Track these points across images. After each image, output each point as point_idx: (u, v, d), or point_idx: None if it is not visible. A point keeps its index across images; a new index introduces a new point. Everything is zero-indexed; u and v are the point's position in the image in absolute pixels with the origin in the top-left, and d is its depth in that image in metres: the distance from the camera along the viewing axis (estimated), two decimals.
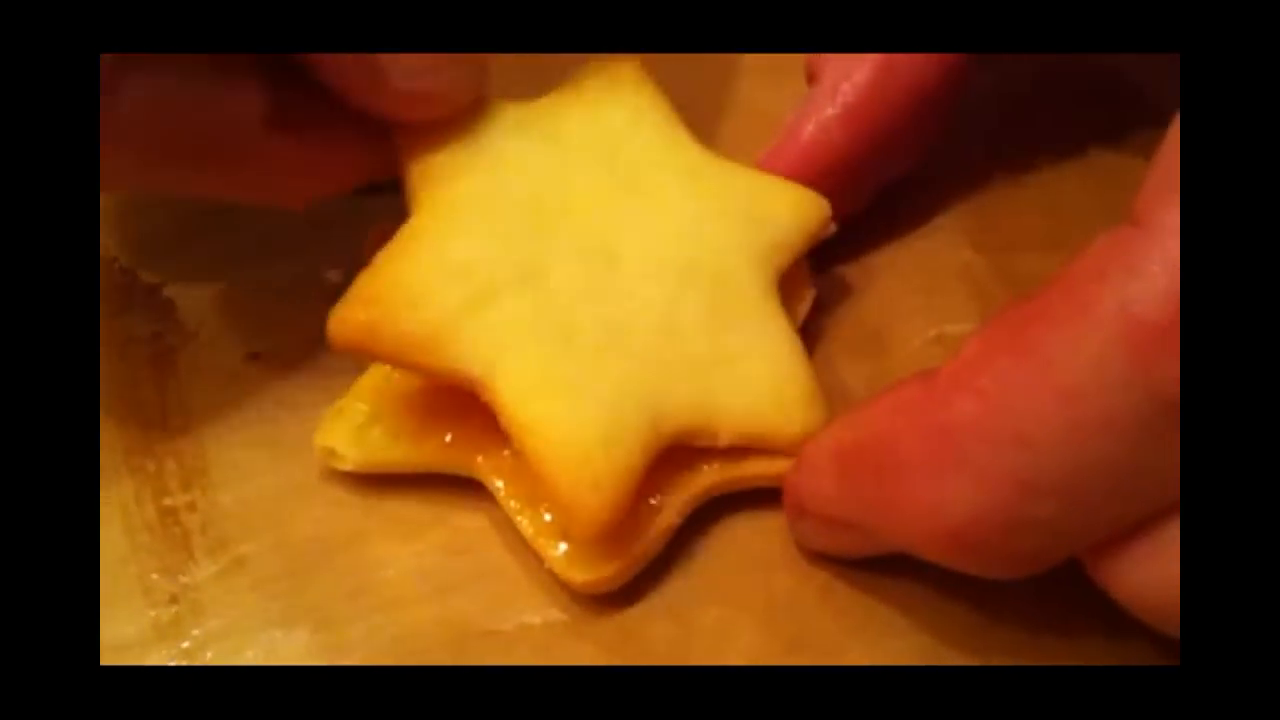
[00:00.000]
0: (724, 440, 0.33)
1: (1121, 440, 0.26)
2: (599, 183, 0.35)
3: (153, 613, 0.33)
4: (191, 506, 0.34)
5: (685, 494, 0.33)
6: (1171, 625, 0.28)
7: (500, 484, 0.33)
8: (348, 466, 0.34)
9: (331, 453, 0.34)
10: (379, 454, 0.34)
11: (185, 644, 0.32)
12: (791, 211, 0.36)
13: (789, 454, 0.33)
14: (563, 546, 0.32)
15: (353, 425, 0.34)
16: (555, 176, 0.34)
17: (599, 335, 0.32)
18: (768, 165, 0.37)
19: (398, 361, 0.32)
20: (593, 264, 0.33)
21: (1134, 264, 0.25)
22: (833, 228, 0.37)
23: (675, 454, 0.33)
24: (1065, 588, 0.30)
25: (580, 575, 0.32)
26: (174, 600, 0.33)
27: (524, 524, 0.33)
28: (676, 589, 0.33)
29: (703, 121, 0.43)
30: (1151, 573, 0.27)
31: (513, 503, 0.33)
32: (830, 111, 0.37)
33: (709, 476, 0.33)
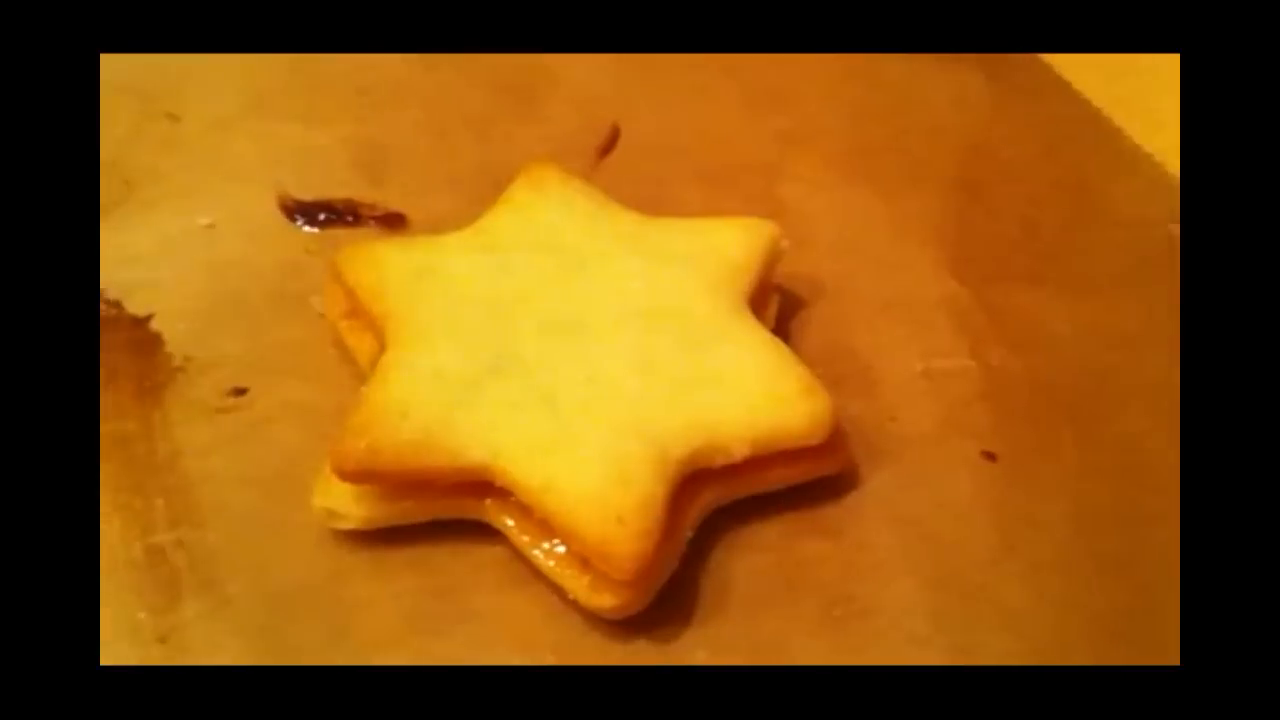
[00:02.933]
0: (738, 452, 0.33)
1: None
2: (547, 272, 0.36)
3: (139, 651, 0.32)
4: (178, 544, 0.34)
5: (695, 508, 0.34)
6: None
7: (511, 522, 0.33)
8: (350, 525, 0.34)
9: (332, 514, 0.34)
10: (383, 509, 0.34)
11: None
12: (737, 241, 0.37)
13: (800, 451, 0.34)
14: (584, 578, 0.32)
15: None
16: (504, 278, 0.36)
17: (582, 392, 0.33)
18: None
19: (404, 475, 0.33)
20: (559, 336, 0.35)
21: None
22: (786, 245, 0.38)
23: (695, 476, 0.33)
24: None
25: (608, 601, 0.32)
26: (161, 640, 0.32)
27: (539, 557, 0.33)
28: (666, 633, 0.33)
29: (682, 159, 0.43)
30: None
31: (525, 538, 0.33)
32: None
33: (714, 489, 0.34)
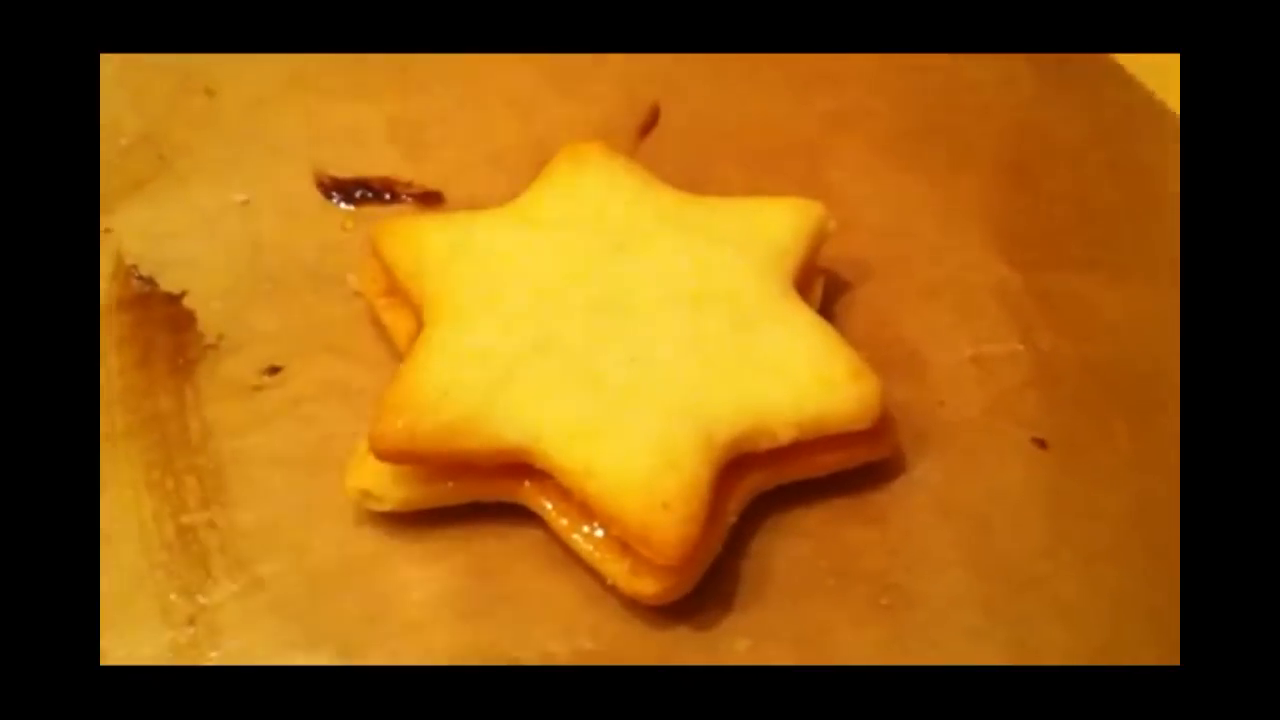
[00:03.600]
0: (785, 436, 0.32)
1: None
2: (591, 251, 0.35)
3: (170, 633, 0.32)
4: (211, 524, 0.33)
5: (739, 493, 0.33)
6: None
7: (549, 505, 0.32)
8: (386, 507, 0.33)
9: (367, 494, 0.33)
10: (419, 491, 0.33)
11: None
12: (784, 221, 0.36)
13: (847, 436, 0.33)
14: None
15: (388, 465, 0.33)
16: (548, 257, 0.35)
17: (627, 373, 0.33)
18: None
19: (443, 455, 0.32)
20: (604, 317, 0.34)
21: None
22: (833, 226, 0.37)
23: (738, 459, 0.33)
24: None
25: (649, 586, 0.31)
26: (191, 621, 0.32)
27: (579, 542, 0.32)
28: (708, 619, 0.32)
29: (725, 140, 0.42)
30: None
31: (564, 521, 0.32)
32: None
33: (758, 474, 0.33)
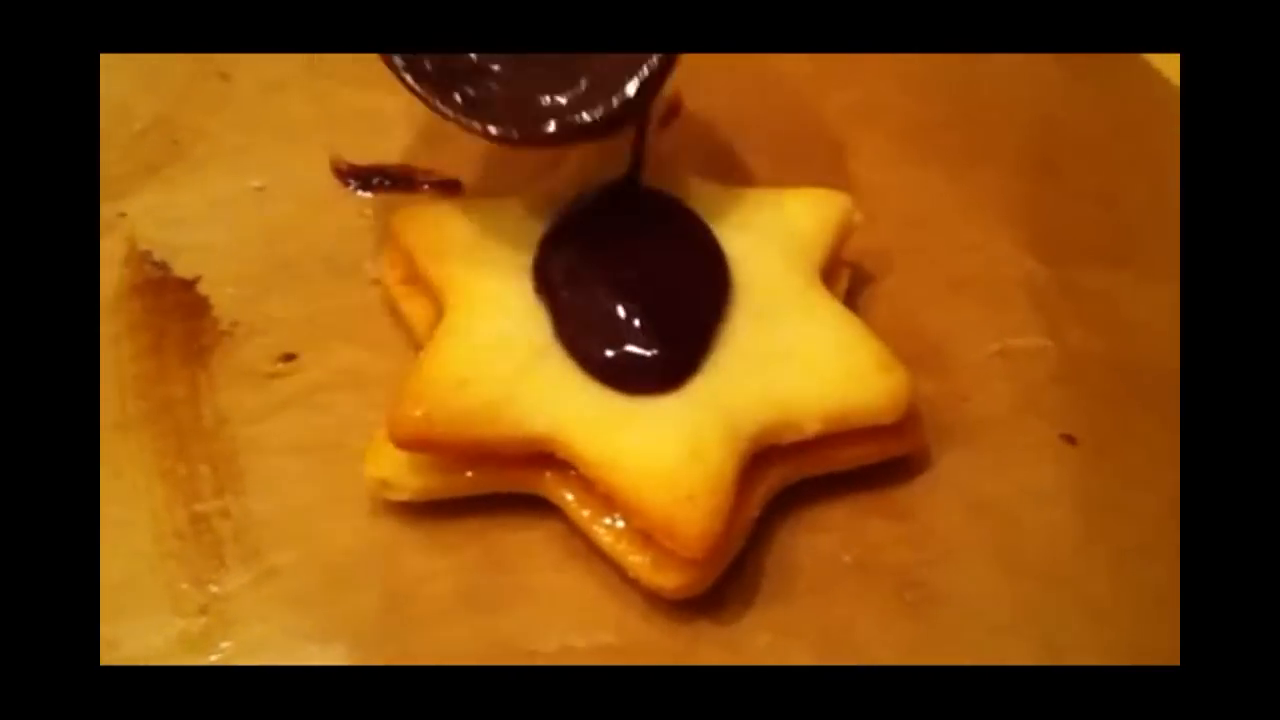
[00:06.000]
0: (811, 429, 0.32)
1: None
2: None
3: (181, 623, 0.31)
4: (224, 513, 0.33)
5: (763, 486, 0.32)
6: None
7: (570, 497, 0.32)
8: (404, 497, 0.32)
9: (384, 483, 0.32)
10: (438, 481, 0.32)
11: (214, 657, 0.31)
12: (810, 212, 0.36)
13: (872, 430, 0.32)
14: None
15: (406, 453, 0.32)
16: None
17: None
18: None
19: (462, 444, 0.32)
20: None
21: None
22: (859, 218, 0.36)
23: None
24: None
25: (671, 580, 0.31)
26: (203, 611, 0.31)
27: (600, 534, 0.31)
28: (730, 614, 0.31)
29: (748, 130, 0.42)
30: None
31: (585, 513, 0.32)
32: None
33: (782, 467, 0.33)
